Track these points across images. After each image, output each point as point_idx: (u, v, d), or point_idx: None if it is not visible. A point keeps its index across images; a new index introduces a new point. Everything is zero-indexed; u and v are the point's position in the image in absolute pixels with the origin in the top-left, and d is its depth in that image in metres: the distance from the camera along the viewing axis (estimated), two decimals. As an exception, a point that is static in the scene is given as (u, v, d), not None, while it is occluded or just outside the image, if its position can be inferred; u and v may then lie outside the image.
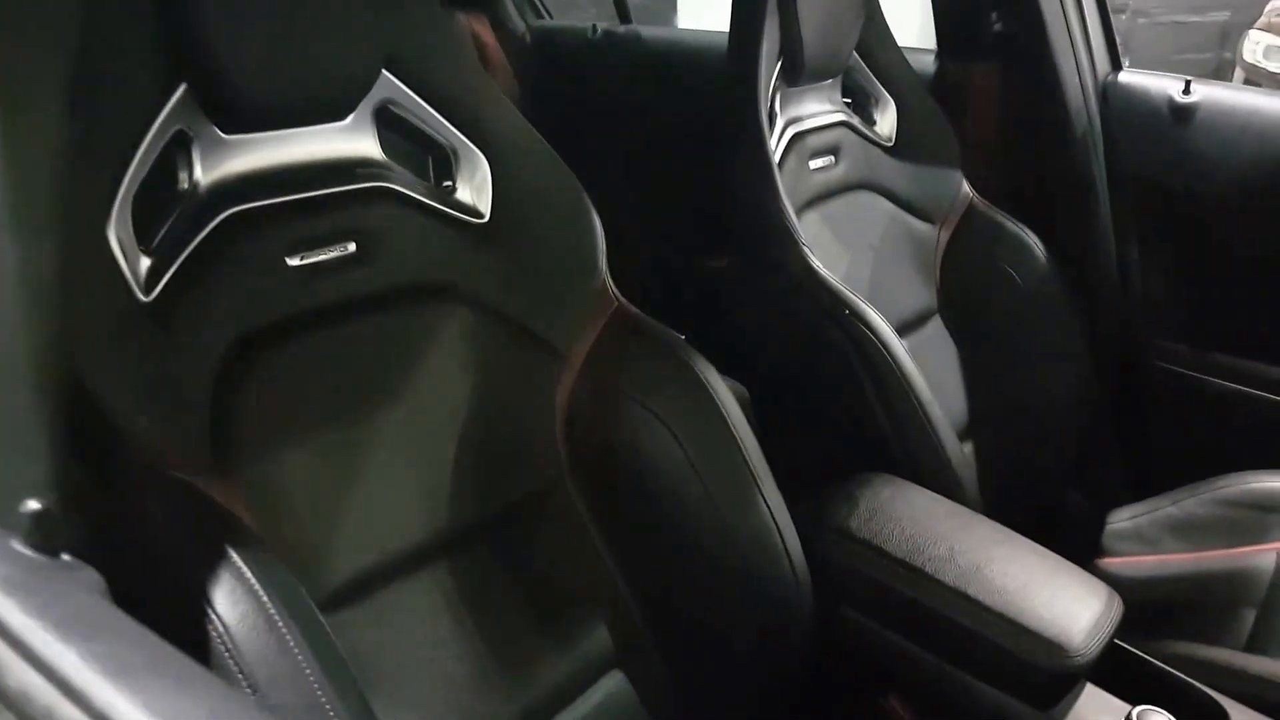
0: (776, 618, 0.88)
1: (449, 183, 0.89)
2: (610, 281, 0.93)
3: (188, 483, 0.65)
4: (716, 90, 1.34)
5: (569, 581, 0.91)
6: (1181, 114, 1.42)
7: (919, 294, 1.46)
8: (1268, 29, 3.92)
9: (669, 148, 1.86)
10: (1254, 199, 1.37)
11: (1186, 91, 1.42)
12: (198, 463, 0.69)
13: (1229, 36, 4.28)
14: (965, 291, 1.47)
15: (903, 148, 1.46)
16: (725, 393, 0.88)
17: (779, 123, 1.31)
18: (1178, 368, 1.50)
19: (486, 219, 0.89)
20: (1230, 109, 1.39)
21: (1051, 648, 0.84)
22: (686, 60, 1.93)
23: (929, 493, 1.03)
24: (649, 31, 2.02)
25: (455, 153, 0.88)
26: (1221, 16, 4.41)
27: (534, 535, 0.90)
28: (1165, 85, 1.44)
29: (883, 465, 1.06)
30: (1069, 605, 0.88)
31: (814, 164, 1.36)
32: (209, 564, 0.61)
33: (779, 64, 1.29)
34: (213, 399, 0.71)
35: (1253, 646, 1.08)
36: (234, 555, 0.61)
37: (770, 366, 1.26)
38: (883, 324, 1.13)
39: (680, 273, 1.79)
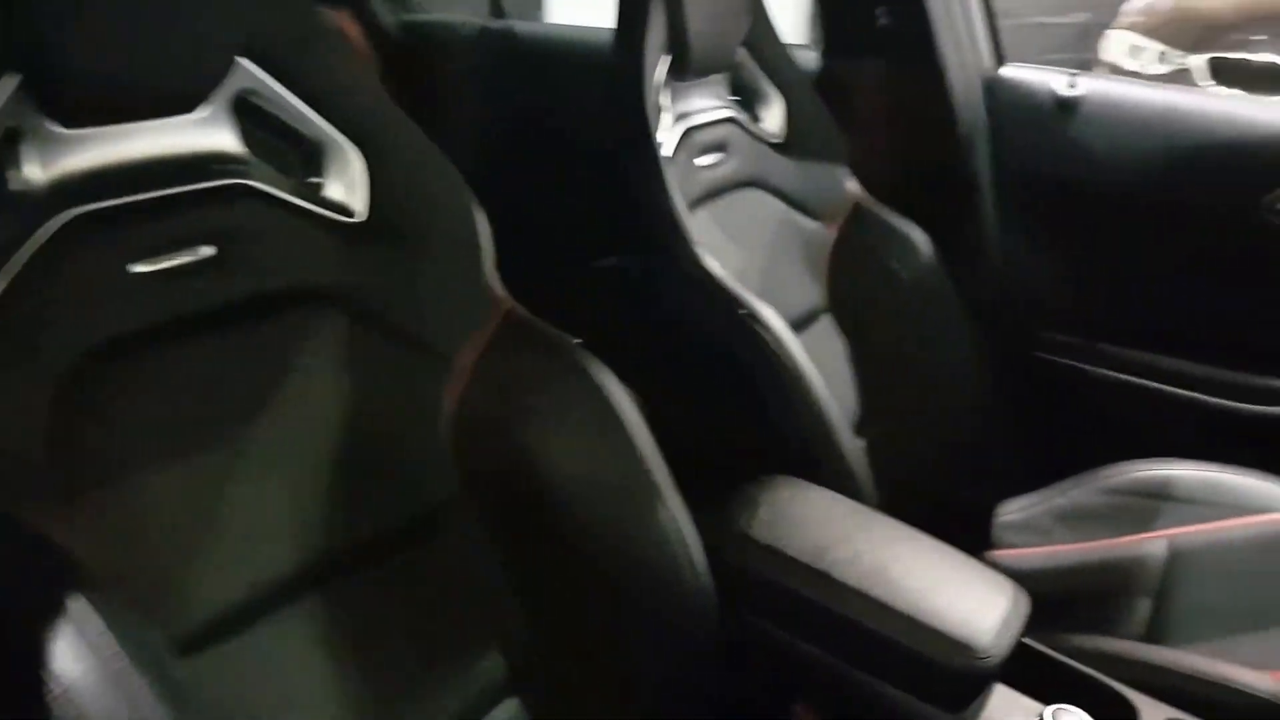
0: (681, 633, 0.85)
1: (316, 179, 0.82)
2: (499, 284, 0.88)
3: (18, 522, 0.57)
4: (601, 86, 1.30)
5: (460, 606, 0.85)
6: (1066, 108, 1.45)
7: (808, 292, 1.45)
8: (1130, 28, 4.12)
9: (551, 145, 1.81)
10: (1137, 191, 1.41)
11: (1071, 85, 1.45)
12: (34, 497, 0.61)
13: (1088, 37, 4.48)
14: (854, 289, 1.47)
15: (791, 145, 1.45)
16: (624, 400, 0.84)
17: (669, 118, 1.28)
18: (1064, 359, 1.53)
19: (362, 218, 0.83)
20: (1114, 102, 1.43)
21: (960, 648, 0.82)
22: (566, 56, 1.88)
23: (830, 493, 1.01)
24: (524, 27, 1.97)
25: (324, 147, 0.81)
26: (1082, 18, 4.62)
27: (422, 558, 0.84)
28: (1049, 80, 1.47)
29: (783, 467, 1.04)
30: (976, 604, 0.87)
31: (702, 161, 1.34)
32: (44, 616, 0.53)
33: (666, 57, 1.26)
34: (51, 424, 0.63)
35: (1151, 635, 1.10)
36: (73, 604, 0.53)
37: (667, 369, 1.23)
38: (780, 324, 1.11)
39: (569, 274, 1.74)
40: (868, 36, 1.53)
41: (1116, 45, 4.16)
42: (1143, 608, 1.15)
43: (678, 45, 1.25)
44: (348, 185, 0.82)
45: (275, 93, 0.77)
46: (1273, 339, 1.39)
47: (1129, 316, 1.48)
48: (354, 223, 0.83)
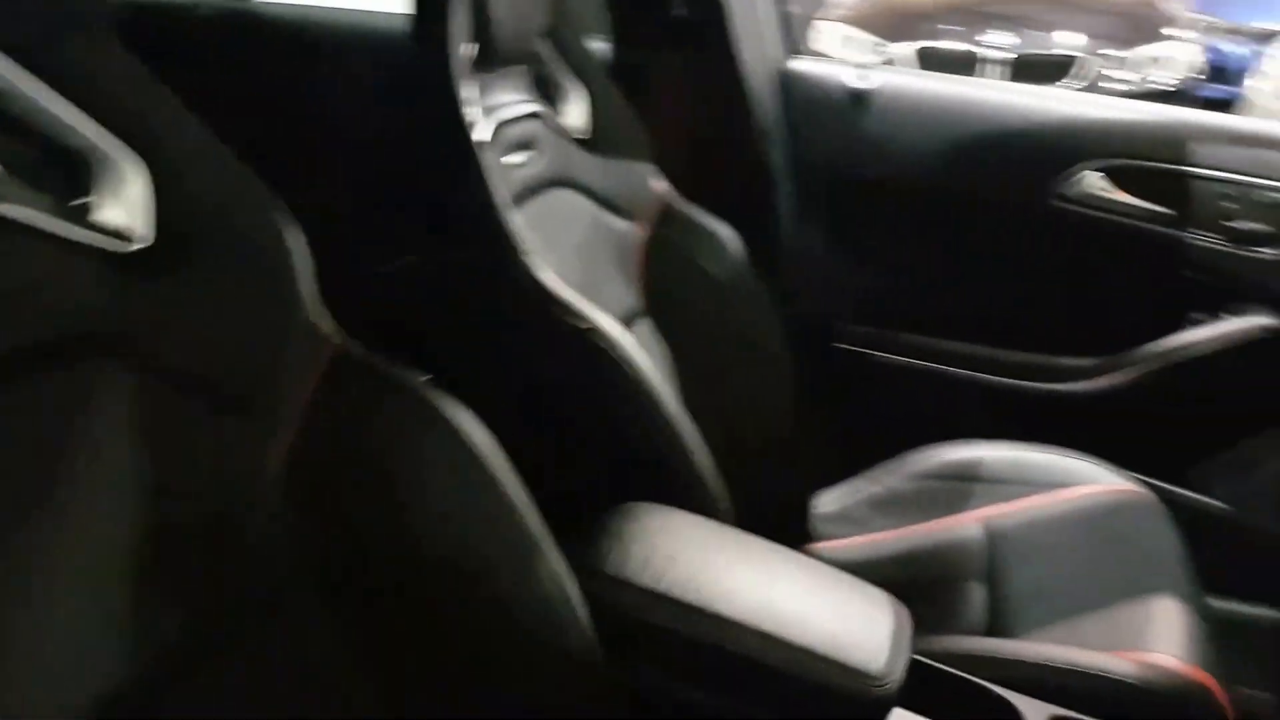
0: (569, 695, 0.76)
1: (83, 199, 0.64)
2: (325, 315, 0.74)
3: None
4: (379, 73, 1.15)
5: (309, 695, 0.71)
6: (859, 100, 1.46)
7: (625, 296, 1.38)
8: (841, 20, 4.38)
9: (323, 142, 1.62)
10: (929, 181, 1.46)
11: (863, 78, 1.47)
12: None
13: (793, 28, 4.72)
14: (668, 290, 1.42)
15: (596, 141, 1.37)
16: (488, 444, 0.73)
17: (476, 112, 1.16)
18: (865, 349, 1.56)
19: (145, 244, 0.66)
20: (906, 94, 1.46)
21: (861, 675, 0.79)
22: (328, 40, 1.69)
23: (695, 519, 0.95)
24: (274, 7, 1.76)
25: (93, 158, 0.63)
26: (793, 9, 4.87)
27: (257, 654, 0.69)
28: (841, 72, 1.48)
29: (641, 491, 0.97)
30: (866, 625, 0.83)
31: (511, 159, 1.23)
32: None
33: (469, 45, 1.14)
34: None
35: (994, 624, 1.13)
36: None
37: (502, 392, 1.12)
38: (625, 339, 1.03)
39: (354, 281, 1.56)
40: (662, 27, 1.47)
41: (828, 37, 4.42)
42: (978, 594, 1.18)
43: (482, 32, 1.13)
44: (126, 205, 0.65)
45: (23, 92, 0.59)
46: (1061, 320, 1.49)
47: (926, 305, 1.53)
48: (135, 251, 0.65)
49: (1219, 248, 1.37)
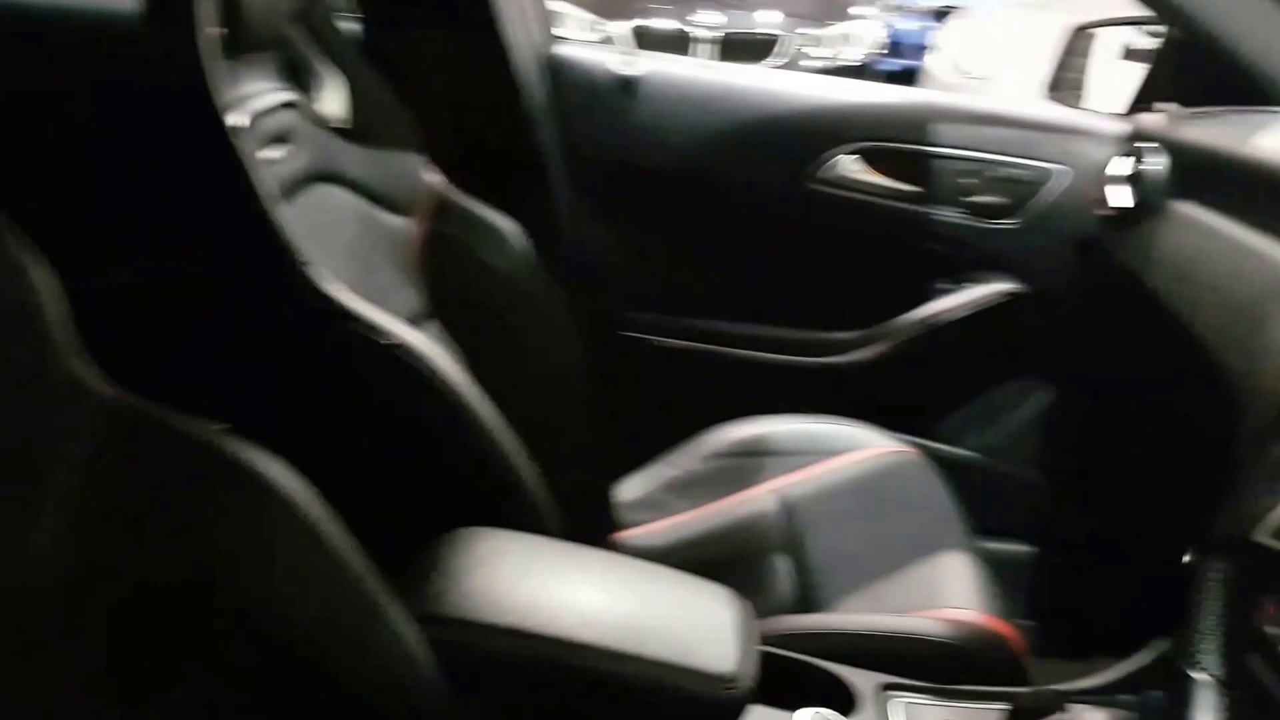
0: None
1: None
2: (90, 363, 0.62)
3: None
4: (130, 65, 0.99)
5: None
6: (626, 87, 1.45)
7: (407, 299, 1.29)
8: (577, 3, 4.41)
9: (57, 150, 1.39)
10: (697, 166, 1.47)
11: (629, 64, 1.45)
12: None
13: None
14: (451, 289, 1.35)
15: (359, 132, 1.26)
16: (306, 495, 0.65)
17: (229, 102, 1.02)
18: (652, 335, 1.57)
19: None
20: (673, 81, 1.46)
21: (717, 680, 0.78)
22: (55, 29, 1.45)
23: (525, 538, 0.91)
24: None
25: None
26: None
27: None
28: (607, 59, 1.46)
29: (469, 513, 0.91)
30: (716, 628, 0.83)
31: (268, 154, 1.10)
32: None
33: (216, 29, 1.00)
34: None
35: (804, 596, 1.17)
36: None
37: (305, 430, 1.00)
38: (432, 350, 0.95)
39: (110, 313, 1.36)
40: (422, 9, 1.38)
41: (573, 24, 4.45)
42: (782, 566, 1.22)
43: (229, 14, 1.00)
44: None
45: None
46: (827, 296, 1.56)
47: (703, 288, 1.56)
48: None
49: (961, 221, 1.49)
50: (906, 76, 6.46)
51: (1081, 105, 1.65)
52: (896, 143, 1.49)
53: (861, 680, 0.95)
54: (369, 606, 0.65)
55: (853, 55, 4.94)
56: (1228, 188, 1.16)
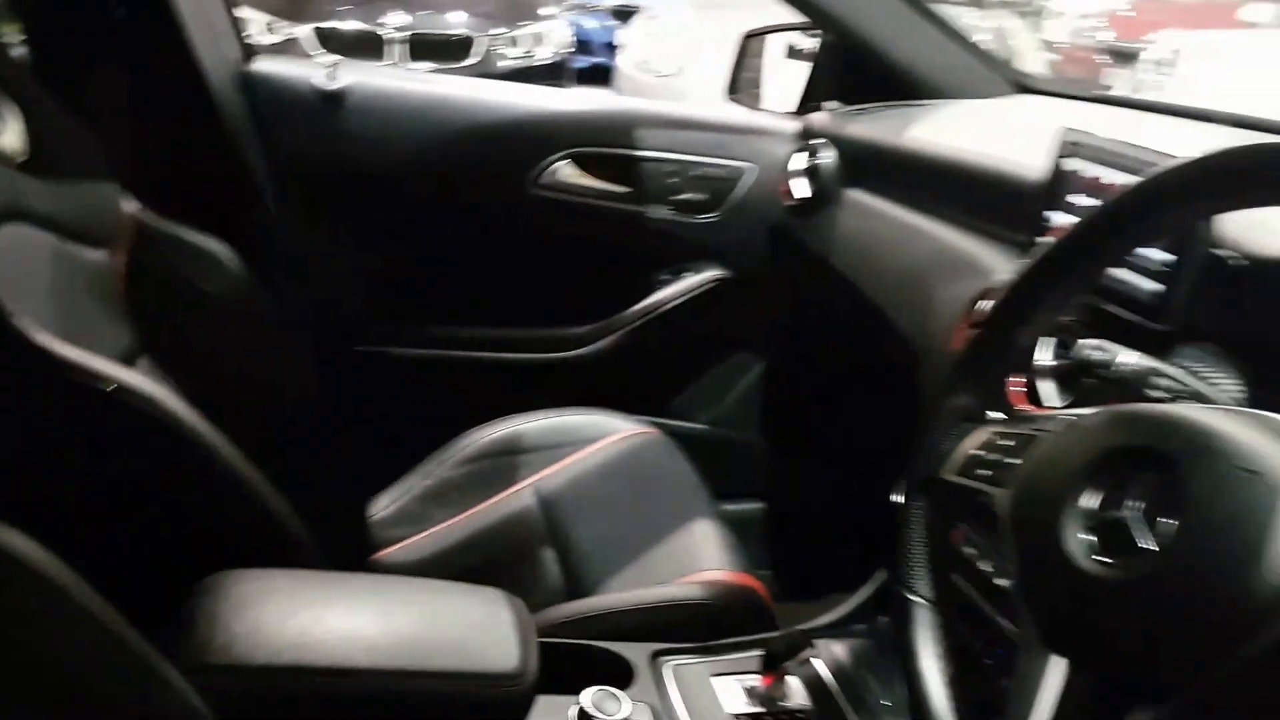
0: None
1: None
2: None
3: None
4: None
5: None
6: (331, 100, 1.43)
7: (117, 335, 1.20)
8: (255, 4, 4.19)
9: None
10: (416, 177, 1.47)
11: (331, 77, 1.43)
12: None
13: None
14: (163, 319, 1.27)
15: (42, 163, 1.16)
16: (49, 561, 0.61)
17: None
18: (392, 347, 1.56)
19: None
20: (380, 93, 1.45)
21: (502, 679, 0.81)
22: None
23: (286, 574, 0.88)
24: None
25: None
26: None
27: None
28: (309, 73, 1.43)
29: (223, 555, 0.88)
30: (488, 628, 0.86)
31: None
32: None
33: None
34: None
35: (572, 584, 1.22)
36: None
37: (36, 492, 0.91)
38: (155, 388, 0.90)
39: None
40: (98, 30, 1.28)
41: (258, 26, 4.23)
42: (549, 559, 1.27)
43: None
44: None
45: None
46: (560, 295, 1.62)
47: (438, 296, 1.57)
48: None
49: (670, 217, 1.60)
50: (599, 73, 6.72)
51: (760, 105, 1.81)
52: (606, 148, 1.57)
53: (635, 653, 1.02)
54: (136, 667, 0.62)
55: (544, 54, 5.06)
56: (888, 175, 1.35)
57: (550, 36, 5.09)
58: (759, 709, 0.99)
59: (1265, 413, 0.58)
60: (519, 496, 1.34)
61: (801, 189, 1.48)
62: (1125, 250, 0.76)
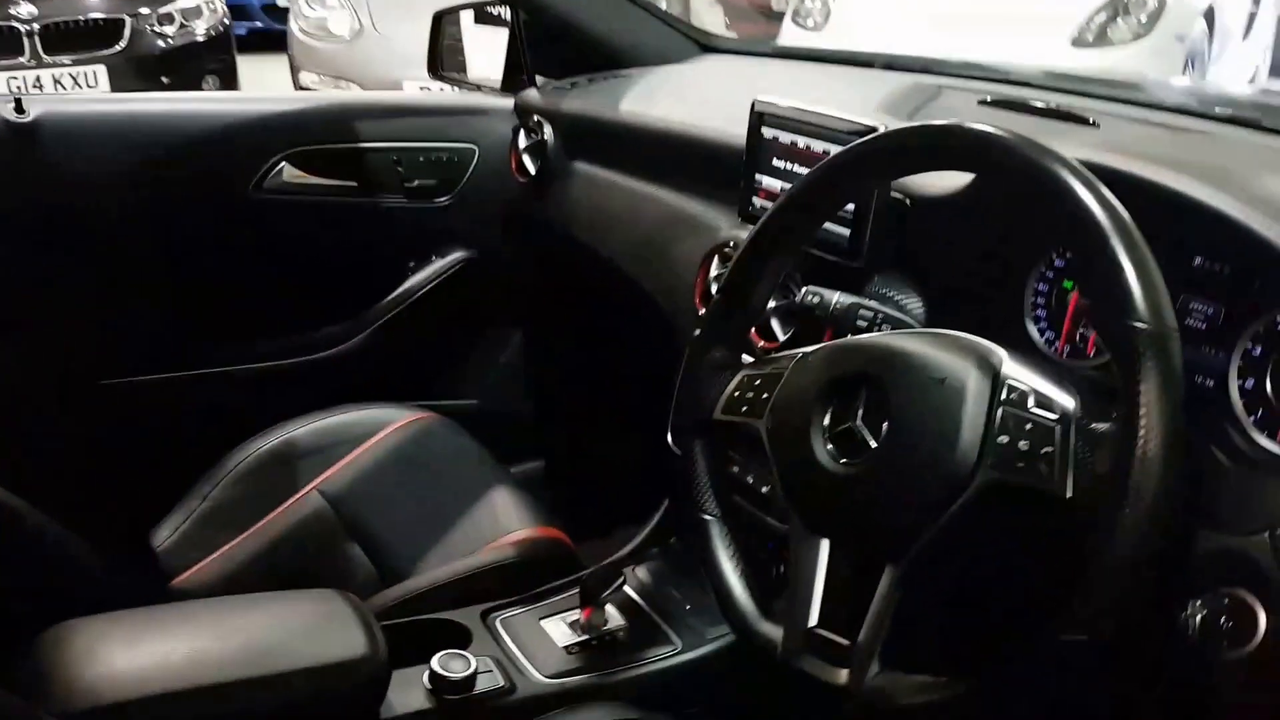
0: None
1: None
2: None
3: None
4: None
5: None
6: (24, 134, 1.35)
7: None
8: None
9: None
10: (125, 201, 1.43)
11: (21, 110, 1.35)
12: None
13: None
14: None
15: None
16: None
17: None
18: (141, 376, 1.51)
19: None
20: (75, 119, 1.38)
21: (359, 663, 0.88)
22: None
23: (119, 613, 0.90)
24: None
25: None
26: None
27: None
28: (-4, 108, 1.34)
29: (31, 608, 0.88)
30: (331, 621, 0.91)
31: None
32: None
33: None
34: None
35: (386, 575, 1.27)
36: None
37: None
38: None
39: None
40: None
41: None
42: (355, 554, 1.32)
43: None
44: None
45: None
46: (310, 296, 1.63)
47: (177, 318, 1.53)
48: None
49: (405, 205, 1.65)
50: (265, 39, 6.35)
51: (467, 79, 1.86)
52: (325, 144, 1.59)
53: (465, 617, 1.13)
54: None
55: (202, 28, 4.72)
56: (608, 148, 1.48)
57: (205, 7, 4.75)
58: (585, 637, 1.13)
59: (945, 330, 0.78)
60: (305, 503, 1.35)
61: (528, 166, 1.58)
62: (826, 217, 0.94)
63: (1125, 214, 0.67)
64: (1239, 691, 0.70)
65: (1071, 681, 0.66)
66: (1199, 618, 0.71)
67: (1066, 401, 0.69)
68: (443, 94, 1.75)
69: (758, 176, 1.15)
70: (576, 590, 1.16)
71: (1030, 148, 0.72)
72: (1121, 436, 0.63)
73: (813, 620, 0.76)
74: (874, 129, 0.99)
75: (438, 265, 1.68)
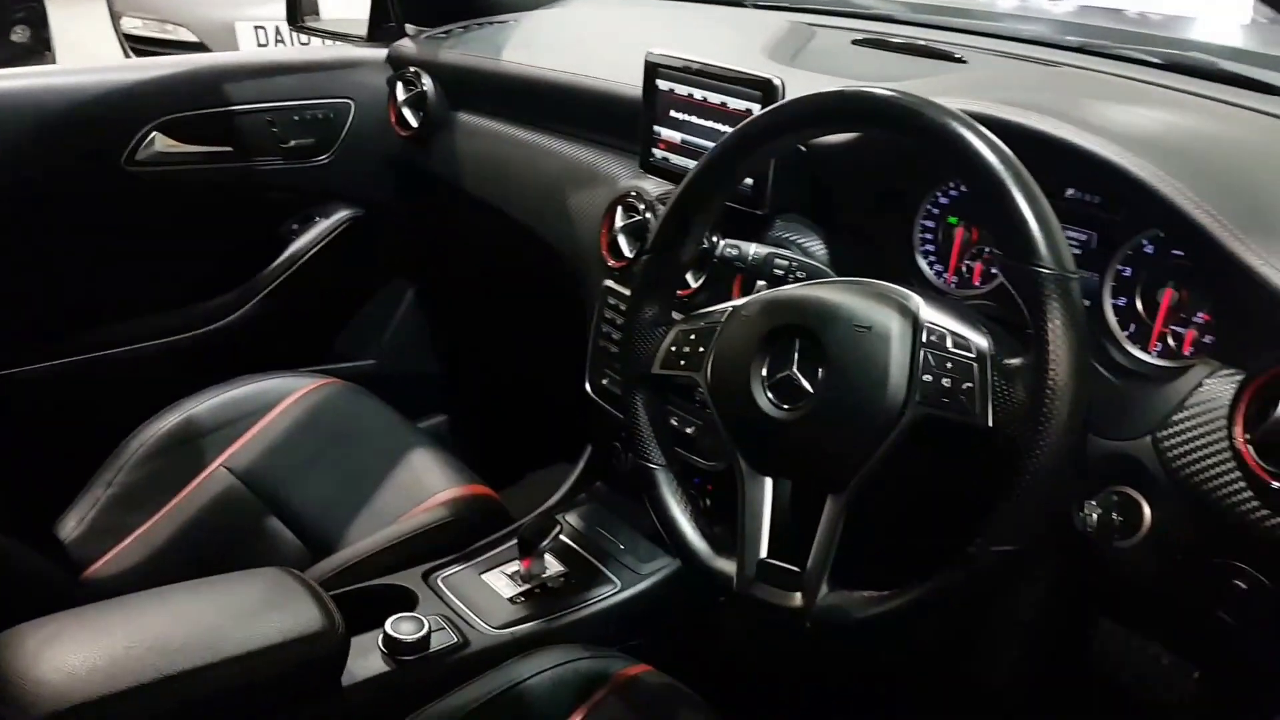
0: None
1: None
2: None
3: None
4: None
5: None
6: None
7: None
8: None
9: None
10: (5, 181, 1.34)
11: None
12: None
13: None
14: None
15: None
16: None
17: None
18: (22, 367, 1.44)
19: None
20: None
21: (316, 638, 0.89)
22: None
23: (69, 612, 0.88)
24: None
25: None
26: None
27: None
28: None
29: None
30: (282, 598, 0.92)
31: None
32: None
33: None
34: None
35: (315, 547, 1.28)
36: None
37: None
38: None
39: None
40: None
41: None
42: (277, 528, 1.31)
43: None
44: None
45: None
46: (192, 268, 1.57)
47: (56, 303, 1.46)
48: None
49: (283, 166, 1.59)
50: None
51: (328, 32, 1.80)
52: (196, 110, 1.51)
53: (408, 579, 1.16)
54: None
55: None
56: (495, 98, 1.48)
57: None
58: (527, 587, 1.18)
59: (866, 280, 0.84)
60: (214, 480, 1.33)
61: (410, 120, 1.56)
62: (746, 175, 0.98)
63: (1024, 169, 0.75)
64: (1130, 576, 0.82)
65: (1002, 587, 0.75)
66: (1094, 515, 0.82)
67: (981, 341, 0.77)
68: (311, 48, 1.68)
69: (656, 128, 1.18)
70: (513, 543, 1.20)
71: (934, 109, 0.78)
72: (1034, 370, 0.72)
73: (763, 552, 0.83)
74: (768, 81, 1.04)
75: (322, 226, 1.65)
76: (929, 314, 0.79)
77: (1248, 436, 0.74)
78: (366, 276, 1.74)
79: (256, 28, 3.37)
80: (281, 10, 1.81)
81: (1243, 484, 0.75)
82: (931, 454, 0.79)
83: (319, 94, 1.61)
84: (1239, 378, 0.77)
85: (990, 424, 0.74)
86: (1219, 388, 0.78)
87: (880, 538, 0.86)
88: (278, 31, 3.40)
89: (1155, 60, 1.15)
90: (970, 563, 0.73)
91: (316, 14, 1.86)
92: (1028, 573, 0.80)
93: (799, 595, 0.80)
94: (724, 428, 0.86)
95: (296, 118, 1.59)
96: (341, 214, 1.66)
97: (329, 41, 1.78)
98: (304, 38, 1.82)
